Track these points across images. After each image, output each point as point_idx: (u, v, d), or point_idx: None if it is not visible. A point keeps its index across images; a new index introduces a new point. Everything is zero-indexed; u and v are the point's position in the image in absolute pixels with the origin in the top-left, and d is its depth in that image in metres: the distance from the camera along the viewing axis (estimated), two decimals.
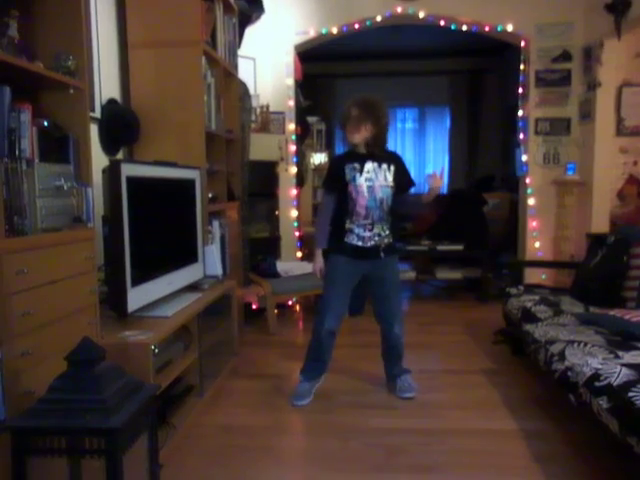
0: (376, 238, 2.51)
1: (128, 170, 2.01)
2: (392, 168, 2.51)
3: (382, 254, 2.53)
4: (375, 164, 2.48)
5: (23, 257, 1.45)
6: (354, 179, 2.46)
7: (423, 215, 5.64)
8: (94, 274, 1.83)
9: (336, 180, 2.51)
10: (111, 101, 2.74)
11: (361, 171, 2.47)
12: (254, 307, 3.91)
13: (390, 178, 2.50)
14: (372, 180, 2.47)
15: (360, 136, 2.44)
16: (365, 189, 2.46)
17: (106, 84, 2.69)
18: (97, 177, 2.03)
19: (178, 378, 2.28)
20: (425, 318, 4.19)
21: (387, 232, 2.54)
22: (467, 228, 5.03)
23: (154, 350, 1.94)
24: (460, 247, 4.76)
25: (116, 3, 2.84)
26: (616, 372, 1.79)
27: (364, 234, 2.49)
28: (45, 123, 1.66)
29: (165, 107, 2.86)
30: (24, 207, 1.50)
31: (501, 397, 2.60)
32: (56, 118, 1.77)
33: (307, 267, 4.15)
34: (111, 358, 1.55)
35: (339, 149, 7.52)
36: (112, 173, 1.96)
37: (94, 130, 2.56)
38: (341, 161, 2.54)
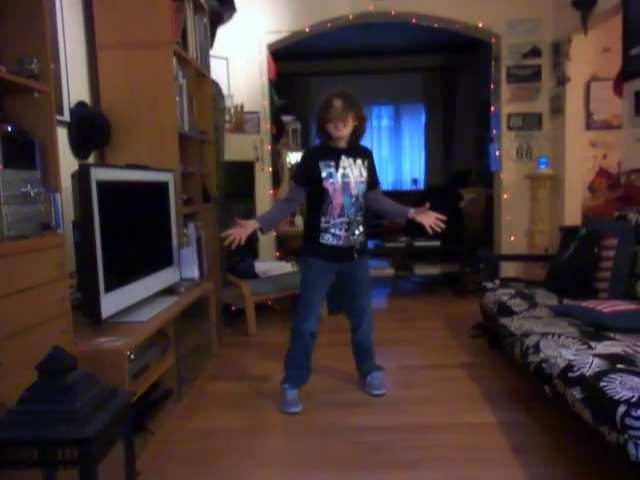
0: (351, 237, 2.48)
1: (98, 174, 1.98)
2: (366, 163, 2.50)
3: (356, 255, 2.52)
4: (350, 159, 2.45)
5: None
6: (331, 176, 2.42)
7: None
8: (65, 281, 1.79)
9: (308, 175, 2.46)
10: (80, 104, 2.69)
11: (337, 167, 2.42)
12: (233, 308, 3.89)
13: (365, 174, 2.48)
14: (348, 176, 2.43)
15: (347, 129, 2.39)
16: (341, 185, 2.42)
17: (75, 87, 2.64)
18: (67, 182, 2.00)
19: (156, 383, 2.25)
20: (404, 314, 4.22)
21: (361, 230, 2.51)
22: (444, 223, 5.07)
23: (129, 356, 1.91)
24: (437, 243, 4.80)
25: (83, 4, 2.79)
26: (589, 363, 1.82)
27: (340, 233, 2.46)
28: (9, 128, 1.62)
29: (136, 109, 2.82)
30: None
31: (480, 390, 2.63)
32: (21, 123, 1.73)
33: (286, 267, 4.15)
34: (85, 366, 1.52)
35: None
36: (81, 177, 1.93)
37: (63, 134, 2.51)
38: (314, 156, 2.47)
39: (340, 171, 2.43)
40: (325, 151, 2.48)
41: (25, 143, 1.68)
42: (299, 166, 2.64)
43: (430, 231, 2.47)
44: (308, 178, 2.47)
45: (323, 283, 2.56)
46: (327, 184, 2.42)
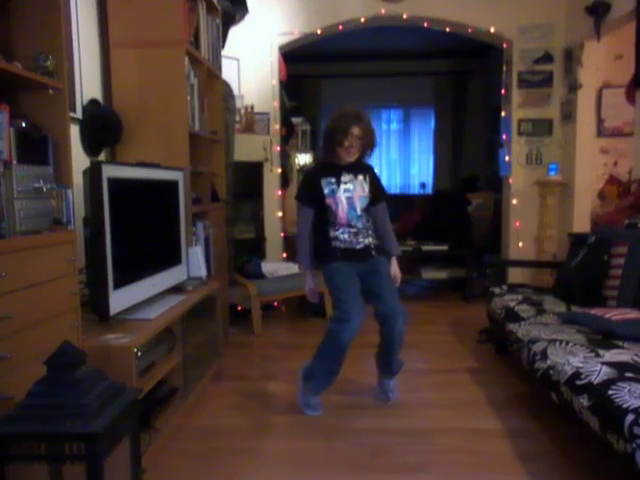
0: (362, 240, 2.49)
1: (109, 171, 1.99)
2: (367, 179, 2.51)
3: (374, 253, 2.51)
4: (351, 175, 2.47)
5: (1, 260, 1.43)
6: (333, 192, 2.43)
7: (408, 215, 5.67)
8: (75, 277, 1.80)
9: (312, 193, 2.47)
10: (93, 102, 2.71)
11: (338, 184, 2.44)
12: (239, 308, 3.89)
13: (367, 189, 2.49)
14: (350, 191, 2.45)
15: (357, 154, 2.43)
16: (344, 201, 2.44)
17: (87, 84, 2.66)
18: (78, 178, 2.01)
19: (162, 380, 2.26)
20: (410, 318, 4.11)
21: (372, 235, 2.53)
22: (452, 228, 5.07)
23: (137, 353, 1.92)
24: (445, 247, 4.79)
25: (97, 3, 2.80)
26: (596, 370, 1.81)
27: (350, 238, 2.47)
28: (24, 124, 1.63)
29: (148, 108, 2.84)
30: (2, 210, 1.47)
31: (485, 396, 2.62)
32: (35, 119, 1.74)
33: (292, 268, 4.15)
34: (93, 362, 1.53)
35: None
36: (93, 175, 1.94)
37: (75, 131, 2.53)
38: (316, 175, 2.49)
39: (342, 187, 2.45)
40: (326, 168, 2.49)
41: (38, 139, 1.70)
42: (302, 187, 2.63)
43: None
44: (313, 197, 2.48)
45: (352, 280, 2.44)
46: (329, 201, 2.44)
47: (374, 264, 2.52)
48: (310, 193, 2.50)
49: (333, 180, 2.44)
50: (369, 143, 2.45)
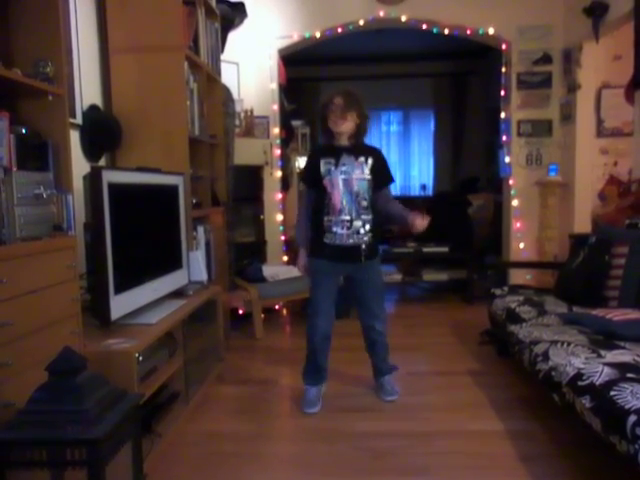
0: (355, 236, 2.45)
1: (110, 177, 2.00)
2: (370, 162, 2.48)
3: (363, 258, 2.48)
4: (352, 157, 2.46)
5: (2, 267, 1.43)
6: (329, 172, 2.44)
7: None
8: (76, 282, 1.81)
9: (313, 174, 2.49)
10: (92, 107, 2.72)
11: (336, 164, 2.45)
12: (240, 312, 3.89)
13: (367, 171, 2.47)
14: (348, 173, 2.44)
15: (346, 125, 2.43)
16: (340, 182, 2.43)
17: (87, 90, 2.67)
18: (79, 184, 2.01)
19: (163, 385, 2.26)
20: (411, 320, 4.21)
21: (367, 229, 2.46)
22: (452, 230, 5.07)
23: (138, 358, 1.92)
24: (446, 249, 4.79)
25: (96, 8, 2.82)
26: (598, 371, 1.81)
27: (342, 232, 2.44)
28: (23, 130, 1.63)
29: (148, 113, 2.84)
30: (2, 216, 1.48)
31: (487, 398, 2.62)
32: (35, 125, 1.75)
33: (293, 271, 4.14)
34: (94, 367, 1.53)
35: None
36: (93, 180, 1.94)
37: (75, 137, 2.53)
38: (317, 155, 2.51)
39: (340, 168, 2.45)
40: (327, 149, 2.52)
41: (38, 145, 1.70)
42: (305, 167, 2.66)
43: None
44: (314, 178, 2.49)
45: (330, 284, 2.54)
46: (325, 181, 2.44)
47: (362, 271, 2.52)
48: (311, 175, 2.52)
49: (332, 161, 2.46)
50: (358, 114, 2.44)
